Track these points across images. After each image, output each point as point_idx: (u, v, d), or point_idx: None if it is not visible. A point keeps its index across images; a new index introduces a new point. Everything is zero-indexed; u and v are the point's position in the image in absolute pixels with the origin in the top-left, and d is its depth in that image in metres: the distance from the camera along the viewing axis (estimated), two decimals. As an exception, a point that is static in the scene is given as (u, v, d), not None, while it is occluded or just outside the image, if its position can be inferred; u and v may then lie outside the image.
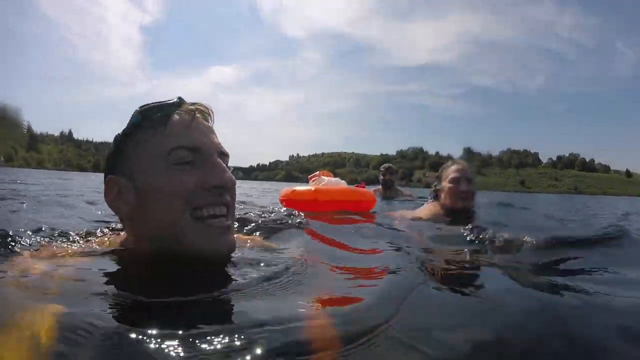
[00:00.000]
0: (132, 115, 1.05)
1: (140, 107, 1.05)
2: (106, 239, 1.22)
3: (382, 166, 5.93)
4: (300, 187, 3.05)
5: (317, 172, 3.11)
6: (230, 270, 0.97)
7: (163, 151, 0.97)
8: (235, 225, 1.46)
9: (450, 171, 2.86)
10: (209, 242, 0.97)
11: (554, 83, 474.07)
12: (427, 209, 3.00)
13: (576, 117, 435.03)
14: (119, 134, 1.06)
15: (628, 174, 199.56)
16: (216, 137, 1.06)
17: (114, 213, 1.08)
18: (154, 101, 1.06)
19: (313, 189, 2.91)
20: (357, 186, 3.39)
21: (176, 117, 1.02)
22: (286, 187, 3.18)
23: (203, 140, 1.01)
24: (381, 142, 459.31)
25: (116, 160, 1.04)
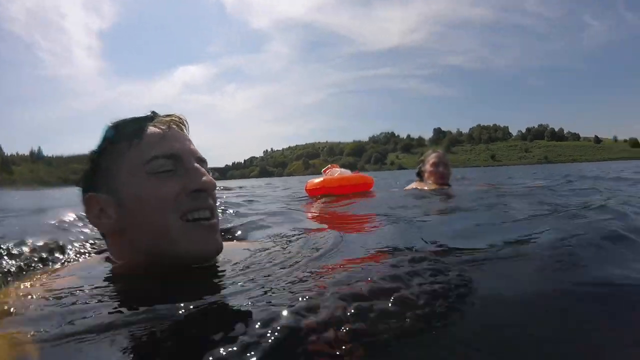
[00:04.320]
0: (105, 130, 1.06)
1: (112, 122, 1.07)
2: (89, 257, 1.25)
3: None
4: (316, 179, 4.02)
5: (329, 165, 4.10)
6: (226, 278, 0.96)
7: (141, 162, 0.99)
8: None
9: (432, 157, 4.09)
10: (199, 242, 1.00)
11: (523, 58, 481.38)
12: (414, 185, 4.17)
13: (545, 90, 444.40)
14: (93, 150, 1.06)
15: (597, 139, 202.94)
16: (192, 144, 1.08)
17: (97, 230, 1.09)
18: (126, 118, 1.09)
19: (323, 179, 3.95)
20: (354, 172, 4.33)
21: (151, 128, 1.04)
22: (310, 180, 4.15)
23: (180, 147, 1.03)
24: (354, 129, 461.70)
25: (93, 177, 1.04)
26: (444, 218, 2.19)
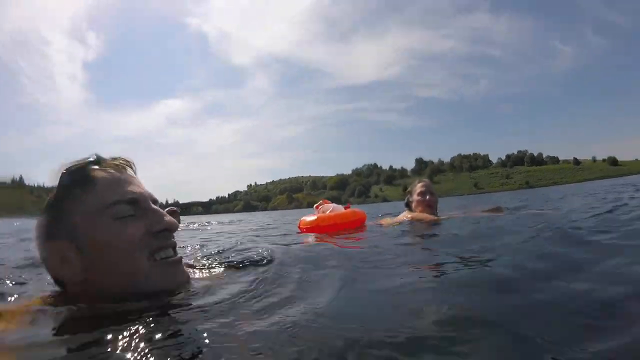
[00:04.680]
0: (59, 179, 1.05)
1: (65, 170, 1.05)
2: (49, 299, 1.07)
3: None
4: (309, 218, 3.86)
5: (321, 201, 4.03)
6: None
7: (101, 208, 0.99)
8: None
9: (418, 187, 4.13)
10: (168, 277, 1.04)
11: (497, 87, 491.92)
12: (404, 215, 4.12)
13: (522, 116, 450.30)
14: (50, 199, 1.04)
15: (576, 161, 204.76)
16: (143, 185, 1.11)
17: (56, 281, 1.04)
18: (74, 162, 1.06)
19: (316, 217, 3.81)
20: (345, 207, 4.27)
21: (102, 173, 1.04)
22: (302, 217, 3.99)
23: (138, 191, 1.05)
24: (336, 162, 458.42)
25: (52, 226, 1.01)
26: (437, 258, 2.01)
